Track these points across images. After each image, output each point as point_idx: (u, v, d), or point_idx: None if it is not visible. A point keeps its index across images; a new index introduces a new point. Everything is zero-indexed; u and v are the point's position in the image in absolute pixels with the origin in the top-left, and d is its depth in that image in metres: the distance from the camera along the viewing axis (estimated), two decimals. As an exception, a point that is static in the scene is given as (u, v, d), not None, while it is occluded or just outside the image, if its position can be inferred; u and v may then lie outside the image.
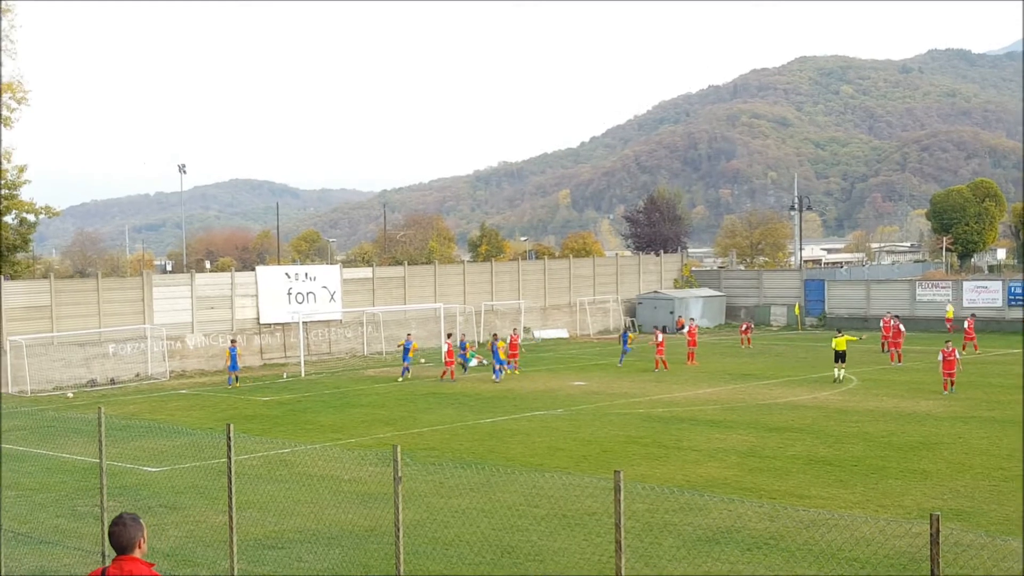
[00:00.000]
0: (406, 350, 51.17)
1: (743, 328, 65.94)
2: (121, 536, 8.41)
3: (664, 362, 52.68)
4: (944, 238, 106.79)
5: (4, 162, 58.71)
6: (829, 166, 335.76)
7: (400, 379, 50.46)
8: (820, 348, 61.90)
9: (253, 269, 67.89)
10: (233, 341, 53.33)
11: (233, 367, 50.53)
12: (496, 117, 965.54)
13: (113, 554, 8.30)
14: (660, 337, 53.38)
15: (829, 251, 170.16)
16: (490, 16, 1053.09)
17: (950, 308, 71.88)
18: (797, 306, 78.16)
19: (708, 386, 45.30)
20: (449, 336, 53.33)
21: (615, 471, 10.49)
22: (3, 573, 16.96)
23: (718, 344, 66.15)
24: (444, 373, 50.39)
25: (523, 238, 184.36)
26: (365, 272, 69.30)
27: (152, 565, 8.51)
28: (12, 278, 56.36)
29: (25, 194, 61.13)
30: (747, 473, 27.17)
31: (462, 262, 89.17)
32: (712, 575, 18.44)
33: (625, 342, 56.45)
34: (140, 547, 8.48)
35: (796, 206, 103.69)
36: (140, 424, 33.28)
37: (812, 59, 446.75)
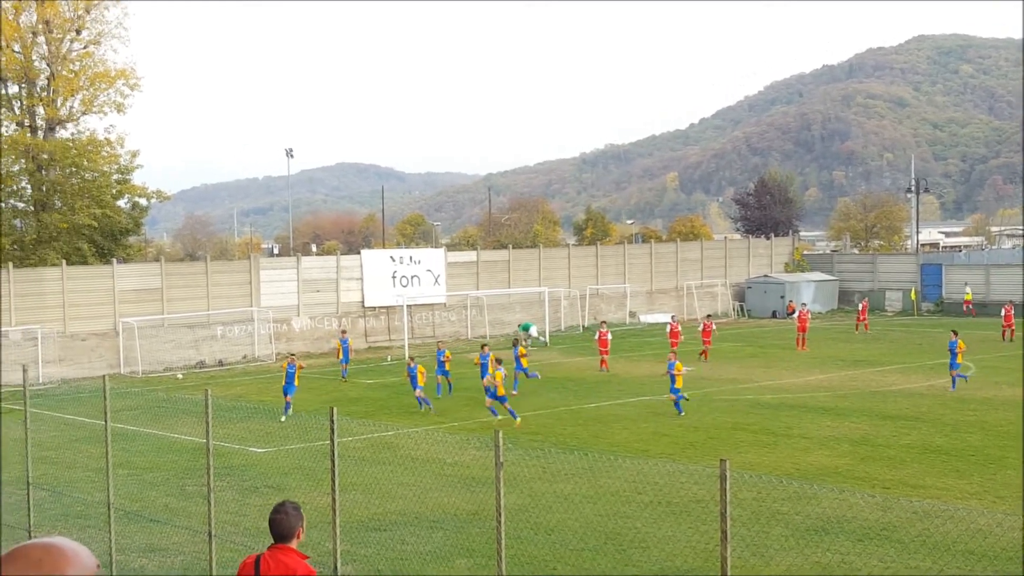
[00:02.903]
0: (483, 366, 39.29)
1: (861, 308, 64.39)
2: (282, 524, 8.42)
3: (603, 362, 47.69)
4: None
5: (118, 147, 59.91)
6: (947, 147, 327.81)
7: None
8: (937, 334, 60.36)
9: (358, 252, 68.33)
10: (344, 332, 51.31)
11: (345, 359, 47.18)
12: (603, 99, 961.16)
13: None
14: (605, 331, 48.38)
15: (947, 235, 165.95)
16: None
17: (968, 292, 71.59)
18: (913, 291, 76.34)
19: (819, 372, 44.45)
20: (604, 323, 50.38)
21: (721, 459, 10.12)
22: (114, 550, 17.18)
23: (830, 329, 64.89)
24: (603, 363, 47.46)
25: (629, 221, 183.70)
26: (470, 256, 69.33)
27: (306, 557, 8.47)
28: (125, 261, 57.44)
29: (137, 179, 62.35)
30: (859, 462, 26.57)
31: (567, 245, 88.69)
32: (822, 565, 17.98)
33: (517, 361, 41.92)
34: (299, 536, 8.48)
35: (913, 188, 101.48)
36: (247, 405, 33.69)
37: (930, 38, 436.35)
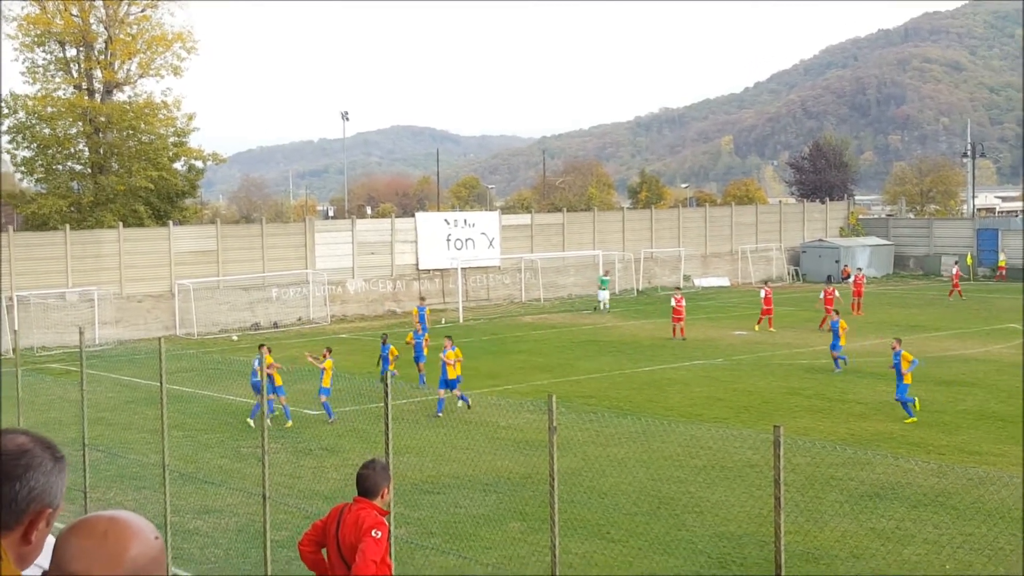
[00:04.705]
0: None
1: (955, 274, 62.85)
2: (368, 480, 9.06)
3: (681, 329, 45.71)
4: None
5: (174, 110, 60.18)
6: (1004, 112, 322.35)
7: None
8: (993, 300, 59.67)
9: (413, 215, 68.41)
10: (422, 299, 48.76)
11: (424, 329, 42.58)
12: (657, 62, 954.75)
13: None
14: (680, 298, 46.44)
15: (1004, 199, 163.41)
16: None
17: (1003, 257, 71.97)
18: (969, 256, 75.38)
19: (875, 337, 44.01)
20: (679, 290, 48.43)
21: (775, 426, 10.04)
22: (169, 511, 17.36)
23: (886, 294, 64.28)
24: (680, 331, 45.58)
25: (684, 185, 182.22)
26: (524, 219, 69.22)
27: (386, 513, 9.08)
28: (181, 223, 57.82)
29: (193, 141, 62.60)
30: (914, 428, 26.35)
31: (621, 209, 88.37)
32: (876, 531, 17.86)
33: (385, 361, 33.79)
34: (383, 496, 9.09)
35: (969, 153, 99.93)
36: (301, 368, 33.79)
37: (986, 2, 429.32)
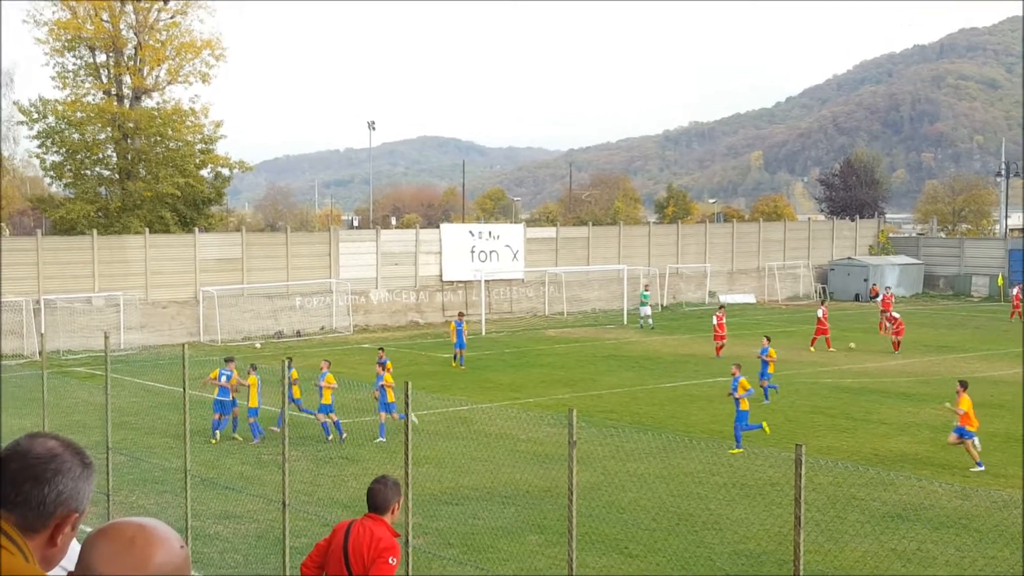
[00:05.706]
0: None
1: (1015, 295, 61.33)
2: (378, 495, 8.89)
3: (719, 348, 45.04)
4: None
5: (202, 117, 60.43)
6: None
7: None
8: None
9: (438, 226, 68.45)
10: (460, 315, 45.38)
11: (460, 344, 42.56)
12: (687, 76, 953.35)
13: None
14: (722, 315, 45.77)
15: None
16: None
17: (1000, 276, 71.38)
18: (1000, 276, 74.75)
19: (902, 357, 43.75)
20: (722, 308, 47.54)
21: (796, 444, 9.95)
22: (190, 516, 17.45)
23: (915, 314, 63.75)
24: (719, 349, 45.05)
25: (712, 200, 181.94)
26: (549, 232, 69.14)
27: (398, 535, 8.89)
28: (206, 230, 58.00)
29: (220, 149, 62.77)
30: (939, 449, 26.10)
31: (648, 223, 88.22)
32: (898, 552, 17.70)
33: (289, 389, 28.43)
34: (393, 512, 8.91)
35: (1003, 172, 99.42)
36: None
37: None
